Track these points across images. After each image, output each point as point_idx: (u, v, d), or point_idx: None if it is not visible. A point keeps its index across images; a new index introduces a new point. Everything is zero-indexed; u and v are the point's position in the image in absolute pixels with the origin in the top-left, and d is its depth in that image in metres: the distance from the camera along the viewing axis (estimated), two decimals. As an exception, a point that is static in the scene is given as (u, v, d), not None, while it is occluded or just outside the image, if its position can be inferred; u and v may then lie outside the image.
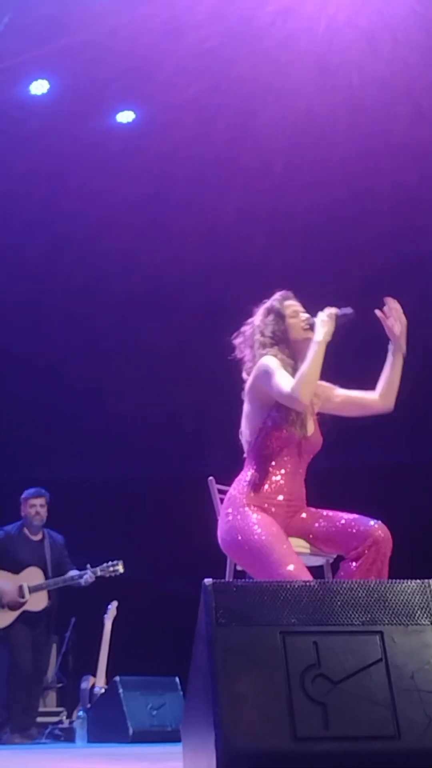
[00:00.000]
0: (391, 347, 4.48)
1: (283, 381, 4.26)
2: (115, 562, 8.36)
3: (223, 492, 4.63)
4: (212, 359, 9.63)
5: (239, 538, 4.23)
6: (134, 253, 9.76)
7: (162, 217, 9.63)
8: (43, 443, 10.10)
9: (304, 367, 4.26)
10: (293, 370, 4.34)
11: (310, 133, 8.79)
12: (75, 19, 7.82)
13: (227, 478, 4.60)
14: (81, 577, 8.30)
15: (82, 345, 10.18)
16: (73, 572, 8.36)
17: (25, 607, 8.26)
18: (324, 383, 4.52)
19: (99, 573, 8.31)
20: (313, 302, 4.60)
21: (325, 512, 4.39)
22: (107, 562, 8.35)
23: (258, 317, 4.58)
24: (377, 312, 4.45)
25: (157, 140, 9.12)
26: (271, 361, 4.36)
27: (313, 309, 4.55)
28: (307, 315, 4.54)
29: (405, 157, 8.77)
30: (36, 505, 8.55)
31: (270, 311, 4.56)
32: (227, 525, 4.31)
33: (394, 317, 4.45)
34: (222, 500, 4.56)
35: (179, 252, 9.64)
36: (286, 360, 4.41)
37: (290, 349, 4.48)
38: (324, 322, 4.35)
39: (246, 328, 4.61)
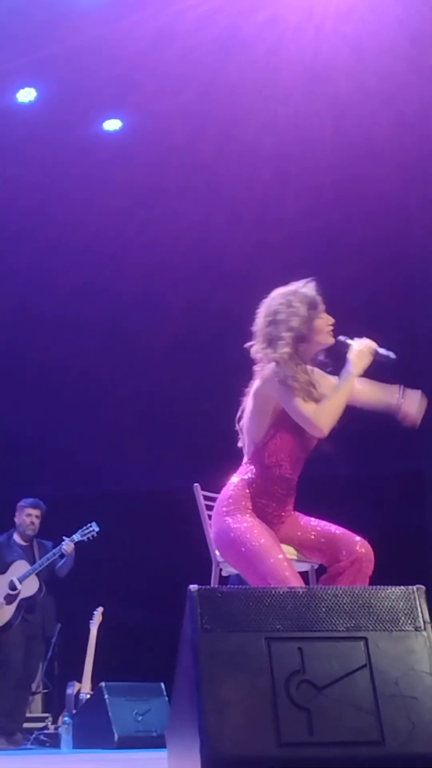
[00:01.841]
0: (399, 398, 4.42)
1: (305, 406, 4.13)
2: (89, 524, 8.52)
3: (208, 498, 4.63)
4: (199, 370, 9.71)
5: (234, 539, 4.19)
6: (121, 262, 9.75)
7: (150, 225, 9.63)
8: (27, 459, 10.08)
9: (332, 400, 4.14)
10: (303, 374, 4.21)
11: (298, 140, 8.82)
12: (63, 28, 7.83)
13: (211, 487, 4.60)
14: (61, 549, 8.43)
15: (65, 358, 10.16)
16: (55, 549, 8.44)
17: (21, 596, 8.38)
18: (317, 370, 4.40)
19: (77, 539, 8.45)
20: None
21: (313, 521, 4.38)
22: (81, 527, 8.50)
23: (297, 302, 4.30)
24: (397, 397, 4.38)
25: (146, 148, 9.13)
26: (287, 371, 4.17)
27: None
28: (331, 318, 4.36)
29: (390, 163, 8.80)
30: (32, 515, 8.68)
31: (312, 305, 4.29)
32: (223, 524, 4.25)
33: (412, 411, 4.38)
34: (207, 507, 4.55)
35: (166, 261, 9.64)
36: (298, 367, 4.21)
37: (308, 347, 4.31)
38: (363, 355, 4.23)
39: (279, 306, 4.32)
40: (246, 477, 4.32)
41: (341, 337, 4.35)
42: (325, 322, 4.35)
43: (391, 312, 9.08)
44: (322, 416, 4.12)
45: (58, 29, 7.85)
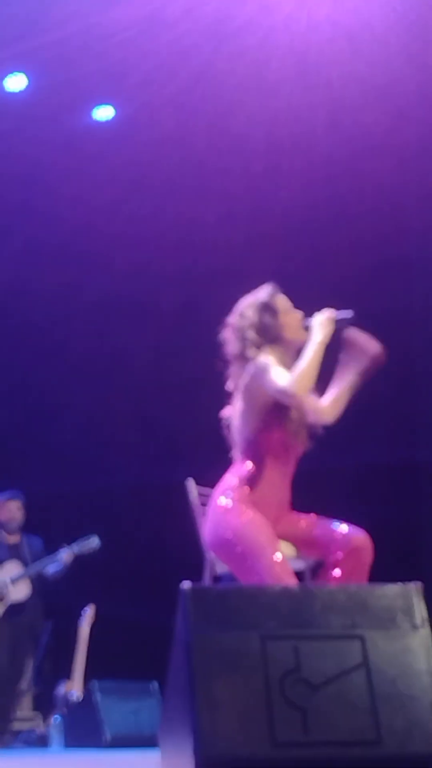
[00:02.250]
0: (352, 363, 4.48)
1: (279, 376, 4.19)
2: (89, 537, 8.34)
3: (201, 494, 4.60)
4: (188, 364, 9.68)
5: (232, 536, 4.18)
6: (110, 253, 9.71)
7: (139, 217, 9.60)
8: (16, 454, 10.03)
9: (301, 364, 4.20)
10: (287, 369, 4.28)
11: (290, 132, 8.80)
12: (53, 16, 7.80)
13: (205, 482, 4.57)
14: (58, 557, 8.27)
15: (53, 351, 10.11)
16: (52, 556, 8.33)
17: (10, 600, 8.27)
18: None
19: (76, 551, 8.29)
20: (294, 304, 4.57)
21: (308, 516, 4.37)
22: (80, 538, 8.33)
23: (250, 311, 4.44)
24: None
25: (135, 139, 9.11)
26: (267, 358, 4.27)
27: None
28: (300, 313, 4.47)
29: (385, 156, 8.77)
30: (12, 509, 8.57)
31: (265, 308, 4.42)
32: (220, 518, 4.25)
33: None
34: (201, 502, 4.52)
35: (156, 253, 9.60)
36: (280, 358, 4.33)
37: (283, 347, 4.40)
38: (323, 325, 4.31)
39: (235, 321, 4.48)
40: (242, 474, 4.32)
41: (305, 323, 4.43)
42: (292, 318, 4.44)
43: (387, 306, 9.05)
44: (295, 382, 4.15)
45: (48, 17, 7.82)
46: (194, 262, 9.55)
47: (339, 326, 4.36)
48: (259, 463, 4.31)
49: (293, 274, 9.15)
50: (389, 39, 7.97)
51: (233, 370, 4.46)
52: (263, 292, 4.48)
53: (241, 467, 4.33)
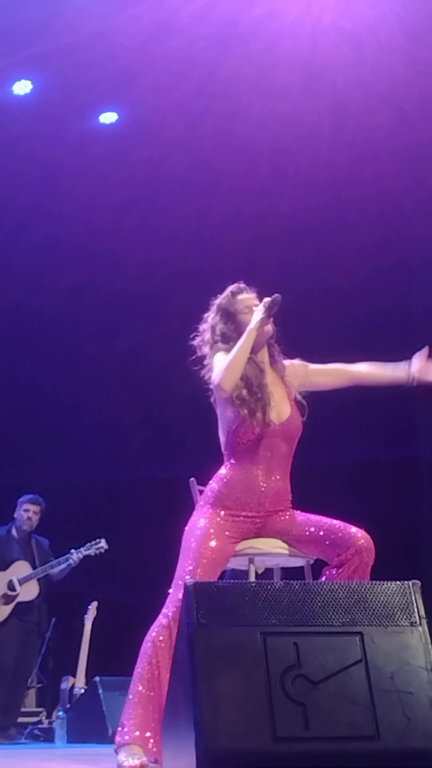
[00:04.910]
0: (410, 369, 4.52)
1: (215, 371, 4.30)
2: (97, 540, 8.44)
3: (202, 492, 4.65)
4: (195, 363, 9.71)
5: (186, 529, 4.34)
6: (118, 256, 9.75)
7: (147, 219, 9.63)
8: (25, 448, 10.07)
9: (228, 356, 4.28)
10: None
11: (295, 136, 8.82)
12: (60, 21, 7.81)
13: (209, 479, 4.61)
14: (67, 560, 8.34)
15: (65, 350, 10.16)
16: (61, 559, 8.39)
17: (18, 599, 8.32)
18: (296, 362, 4.53)
19: (84, 553, 8.37)
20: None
21: (309, 516, 4.38)
22: (90, 542, 8.43)
23: (210, 314, 4.53)
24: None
25: (143, 143, 9.12)
26: (218, 357, 4.36)
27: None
28: (250, 298, 4.50)
29: (388, 160, 8.80)
30: (30, 511, 8.61)
31: (219, 310, 4.50)
32: (192, 515, 4.39)
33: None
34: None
35: (163, 255, 9.63)
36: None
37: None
38: (256, 311, 4.35)
39: (202, 326, 4.55)
40: (221, 475, 4.41)
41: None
42: (243, 303, 4.48)
43: (388, 307, 9.08)
44: (222, 376, 4.22)
45: (55, 23, 7.83)
46: (203, 262, 9.58)
47: (273, 311, 4.36)
48: (238, 463, 4.37)
49: (297, 275, 9.26)
50: (393, 45, 7.99)
51: (207, 373, 4.50)
52: (223, 295, 4.53)
53: (222, 469, 4.42)
